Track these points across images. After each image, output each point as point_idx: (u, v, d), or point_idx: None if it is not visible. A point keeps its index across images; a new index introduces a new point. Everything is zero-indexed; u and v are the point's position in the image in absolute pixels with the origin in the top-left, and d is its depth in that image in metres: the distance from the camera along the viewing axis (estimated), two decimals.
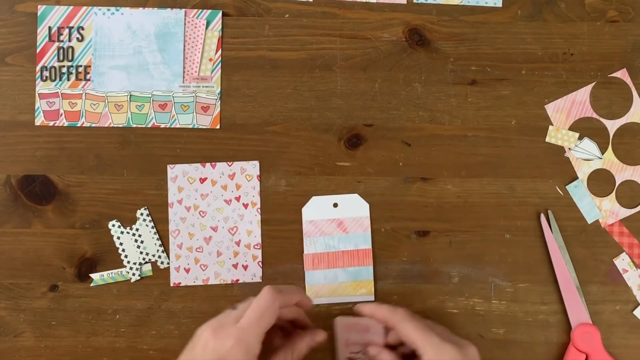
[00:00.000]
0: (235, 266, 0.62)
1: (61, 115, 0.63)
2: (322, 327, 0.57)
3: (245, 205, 0.63)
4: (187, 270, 0.62)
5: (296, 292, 0.55)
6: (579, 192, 0.63)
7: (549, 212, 0.62)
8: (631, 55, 0.64)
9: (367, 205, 0.62)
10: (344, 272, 0.62)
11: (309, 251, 0.62)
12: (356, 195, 0.62)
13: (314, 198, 0.62)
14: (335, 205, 0.63)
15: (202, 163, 0.63)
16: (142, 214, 0.63)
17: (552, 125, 0.63)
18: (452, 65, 0.64)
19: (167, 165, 0.63)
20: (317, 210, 0.62)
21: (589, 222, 0.63)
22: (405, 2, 0.64)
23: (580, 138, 0.63)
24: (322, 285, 0.62)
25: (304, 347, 0.55)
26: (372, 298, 0.62)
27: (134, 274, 0.62)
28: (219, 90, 0.63)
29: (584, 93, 0.64)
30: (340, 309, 0.62)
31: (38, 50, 0.63)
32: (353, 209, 0.62)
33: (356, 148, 0.63)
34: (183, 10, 0.64)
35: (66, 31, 0.63)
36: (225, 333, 0.50)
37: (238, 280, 0.62)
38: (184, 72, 0.63)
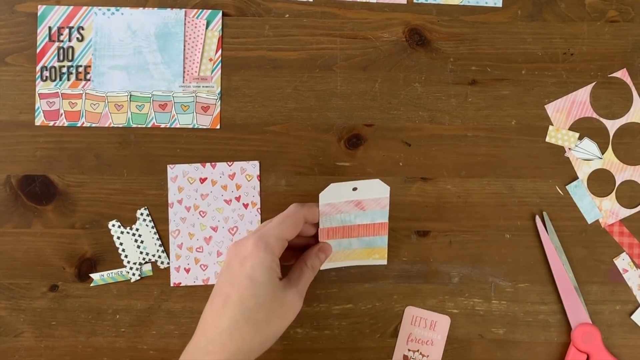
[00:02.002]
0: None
1: (61, 115, 0.63)
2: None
3: (246, 205, 0.63)
4: (187, 270, 0.62)
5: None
6: (579, 192, 0.63)
7: (544, 213, 0.62)
8: (631, 55, 0.64)
9: (388, 188, 0.58)
10: (359, 241, 0.60)
11: (324, 226, 0.59)
12: (377, 180, 0.59)
13: (332, 185, 0.57)
14: (355, 189, 0.58)
15: (202, 163, 0.63)
16: (142, 214, 0.63)
17: (552, 125, 0.63)
18: (452, 65, 0.64)
19: (167, 165, 0.63)
20: (335, 196, 0.58)
21: (589, 222, 0.63)
22: (405, 2, 0.64)
23: (580, 138, 0.63)
24: (335, 251, 0.60)
25: (315, 260, 0.57)
26: (385, 263, 0.61)
27: (134, 274, 0.62)
28: (219, 90, 0.63)
29: (584, 93, 0.64)
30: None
31: (38, 50, 0.63)
32: (373, 191, 0.58)
33: (356, 148, 0.63)
34: (183, 10, 0.64)
35: (66, 31, 0.63)
36: (246, 238, 0.53)
37: None
38: (184, 72, 0.63)
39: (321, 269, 0.59)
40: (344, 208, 0.59)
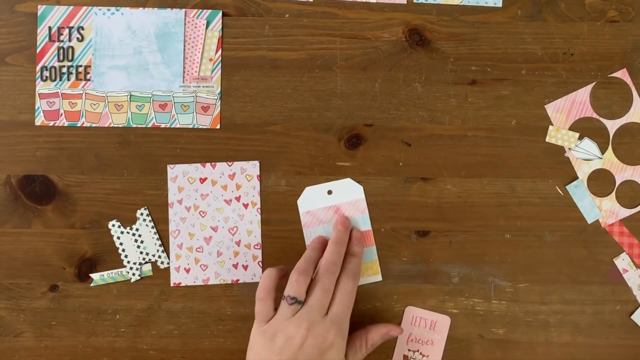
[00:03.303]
0: (235, 266, 0.62)
1: (61, 115, 0.63)
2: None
3: (246, 205, 0.63)
4: (187, 270, 0.62)
5: None
6: (579, 192, 0.63)
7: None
8: (631, 55, 0.64)
9: (361, 188, 0.62)
10: None
11: (310, 241, 0.62)
12: (349, 180, 0.62)
13: (307, 189, 0.62)
14: (330, 192, 0.63)
15: (202, 163, 0.63)
16: (142, 214, 0.63)
17: (552, 125, 0.63)
18: (452, 65, 0.64)
19: (167, 165, 0.63)
20: (312, 201, 0.62)
21: (589, 222, 0.63)
22: (405, 2, 0.64)
23: (580, 138, 0.63)
24: None
25: (378, 339, 0.57)
26: (380, 278, 0.62)
27: (134, 274, 0.62)
28: (219, 90, 0.63)
29: (584, 93, 0.64)
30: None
31: (38, 50, 0.63)
32: (347, 193, 0.62)
33: (356, 148, 0.63)
34: (183, 10, 0.64)
35: (66, 31, 0.63)
36: (322, 327, 0.52)
37: (238, 280, 0.62)
38: (184, 72, 0.63)
39: None
40: (324, 217, 0.60)
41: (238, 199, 0.63)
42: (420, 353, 0.62)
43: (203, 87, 0.63)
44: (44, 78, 0.63)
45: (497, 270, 0.63)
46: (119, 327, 0.62)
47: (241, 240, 0.63)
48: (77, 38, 0.63)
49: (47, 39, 0.63)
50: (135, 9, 0.64)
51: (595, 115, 0.64)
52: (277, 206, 0.63)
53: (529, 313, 0.62)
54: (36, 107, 0.63)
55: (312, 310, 0.53)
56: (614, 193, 0.63)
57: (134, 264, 0.62)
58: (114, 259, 0.63)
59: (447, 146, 0.63)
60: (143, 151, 0.63)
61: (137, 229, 0.63)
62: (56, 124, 0.63)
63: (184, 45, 0.63)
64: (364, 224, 0.62)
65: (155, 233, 0.63)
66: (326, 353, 0.52)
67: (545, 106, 0.64)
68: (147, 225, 0.63)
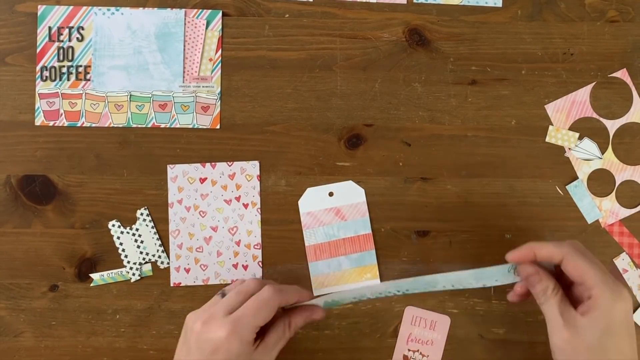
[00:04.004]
0: (235, 266, 0.62)
1: (61, 115, 0.63)
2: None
3: (245, 205, 0.63)
4: (187, 270, 0.62)
5: (296, 293, 0.55)
6: (579, 192, 0.63)
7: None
8: (631, 55, 0.64)
9: (363, 191, 0.62)
10: (347, 260, 0.62)
11: (310, 242, 0.62)
12: (350, 182, 0.62)
13: (309, 190, 0.62)
14: (331, 194, 0.63)
15: (202, 163, 0.63)
16: (142, 214, 0.63)
17: (552, 125, 0.63)
18: (452, 65, 0.64)
19: (167, 165, 0.63)
20: (313, 202, 0.62)
21: (589, 222, 0.63)
22: (405, 2, 0.64)
23: (580, 138, 0.63)
24: (326, 275, 0.62)
25: (301, 322, 0.55)
26: (378, 281, 0.62)
27: (134, 274, 0.62)
28: (219, 90, 0.63)
29: (584, 93, 0.64)
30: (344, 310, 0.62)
31: (38, 50, 0.63)
32: (349, 196, 0.62)
33: (356, 148, 0.63)
34: (183, 10, 0.64)
35: (66, 31, 0.63)
36: (219, 324, 0.50)
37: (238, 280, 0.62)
38: (184, 72, 0.63)
39: (315, 295, 0.60)
40: (325, 218, 0.60)
41: (238, 199, 0.63)
42: (420, 353, 0.62)
43: (203, 87, 0.63)
44: (44, 78, 0.63)
45: None
46: (119, 327, 0.62)
47: (241, 240, 0.63)
48: (77, 38, 0.63)
49: (47, 39, 0.63)
50: (135, 9, 0.64)
51: (595, 115, 0.64)
52: (277, 206, 0.63)
53: (529, 313, 0.62)
54: (36, 107, 0.63)
55: (218, 306, 0.52)
56: (613, 193, 0.63)
57: (134, 264, 0.62)
58: (114, 259, 0.63)
59: (447, 146, 0.63)
60: (143, 151, 0.63)
61: (137, 229, 0.63)
62: (56, 124, 0.63)
63: (184, 45, 0.63)
64: (365, 227, 0.62)
65: (155, 233, 0.63)
66: (216, 352, 0.50)
67: (545, 106, 0.64)
68: (147, 225, 0.63)
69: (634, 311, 0.62)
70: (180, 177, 0.63)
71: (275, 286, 0.54)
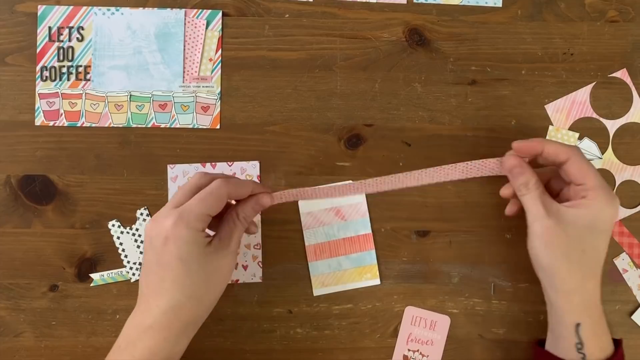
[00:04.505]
0: (235, 266, 0.62)
1: (61, 115, 0.63)
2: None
3: None
4: None
5: (249, 185, 0.54)
6: None
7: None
8: (631, 55, 0.64)
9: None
10: (347, 260, 0.62)
11: (310, 242, 0.62)
12: (350, 182, 0.62)
13: None
14: None
15: (202, 163, 0.63)
16: (142, 214, 0.63)
17: (552, 125, 0.63)
18: (452, 65, 0.64)
19: (167, 165, 0.63)
20: (313, 202, 0.62)
21: None
22: (405, 2, 0.64)
23: (580, 138, 0.63)
24: (327, 274, 0.62)
25: (249, 211, 0.54)
26: (378, 282, 0.62)
27: (134, 274, 0.62)
28: (219, 90, 0.63)
29: (584, 93, 0.64)
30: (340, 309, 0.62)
31: (38, 50, 0.63)
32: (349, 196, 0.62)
33: (356, 148, 0.63)
34: (183, 10, 0.64)
35: (66, 31, 0.63)
36: (165, 215, 0.50)
37: (238, 280, 0.62)
38: (184, 72, 0.63)
39: (314, 295, 0.60)
40: (325, 218, 0.60)
41: None
42: (420, 353, 0.62)
43: (203, 87, 0.63)
44: (44, 78, 0.63)
45: (497, 270, 0.63)
46: (119, 327, 0.62)
47: (241, 240, 0.63)
48: (77, 38, 0.63)
49: (47, 39, 0.63)
50: (135, 9, 0.64)
51: (595, 115, 0.64)
52: (277, 206, 0.63)
53: (529, 313, 0.62)
54: (36, 107, 0.63)
55: (166, 204, 0.52)
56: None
57: (134, 263, 0.62)
58: (114, 259, 0.63)
59: (447, 146, 0.63)
60: (143, 151, 0.63)
61: (137, 229, 0.63)
62: (56, 124, 0.63)
63: (184, 45, 0.63)
64: (364, 227, 0.62)
65: None
66: (166, 243, 0.49)
67: (545, 106, 0.64)
68: None
69: (634, 311, 0.62)
70: (181, 177, 0.63)
71: (224, 177, 0.53)
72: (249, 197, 0.55)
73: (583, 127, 0.63)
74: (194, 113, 0.63)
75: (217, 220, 0.54)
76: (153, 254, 0.51)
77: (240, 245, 0.62)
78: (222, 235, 0.53)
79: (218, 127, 0.63)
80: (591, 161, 0.63)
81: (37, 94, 0.63)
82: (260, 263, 0.62)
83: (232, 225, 0.54)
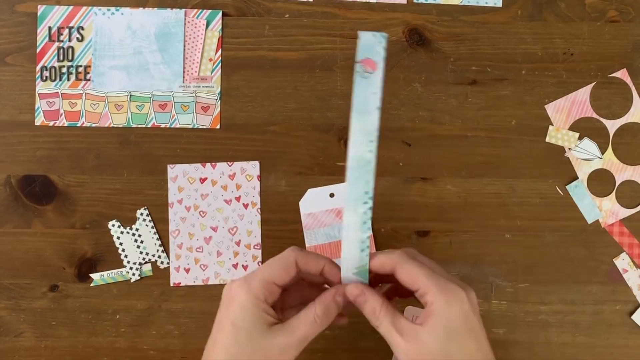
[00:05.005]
0: (235, 266, 0.62)
1: (61, 115, 0.63)
2: None
3: (246, 206, 0.63)
4: (187, 270, 0.62)
5: (322, 260, 0.50)
6: (579, 192, 0.63)
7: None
8: (631, 55, 0.64)
9: None
10: None
11: (310, 243, 0.62)
12: None
13: (310, 190, 0.62)
14: (332, 195, 0.62)
15: (202, 163, 0.63)
16: (142, 214, 0.63)
17: (552, 125, 0.63)
18: (452, 65, 0.64)
19: (167, 165, 0.63)
20: (314, 203, 0.62)
21: (589, 222, 0.63)
22: (405, 2, 0.64)
23: (580, 138, 0.63)
24: None
25: (331, 305, 0.49)
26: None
27: (134, 274, 0.62)
28: (219, 90, 0.63)
29: (584, 93, 0.64)
30: None
31: (38, 50, 0.63)
32: None
33: None
34: (183, 10, 0.64)
35: (66, 31, 0.63)
36: (237, 280, 0.48)
37: None
38: (184, 72, 0.63)
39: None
40: (326, 219, 0.60)
41: (238, 199, 0.63)
42: None
43: (203, 87, 0.63)
44: (44, 78, 0.63)
45: (497, 270, 0.63)
46: (119, 327, 0.62)
47: (241, 241, 0.63)
48: (77, 38, 0.63)
49: (47, 39, 0.63)
50: (135, 9, 0.64)
51: (595, 115, 0.64)
52: (277, 206, 0.63)
53: (529, 313, 0.62)
54: (36, 107, 0.63)
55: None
56: (614, 193, 0.63)
57: (134, 264, 0.62)
58: (114, 259, 0.63)
59: (447, 146, 0.63)
60: (143, 151, 0.63)
61: (137, 229, 0.63)
62: (56, 124, 0.63)
63: (184, 45, 0.63)
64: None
65: (155, 233, 0.63)
66: (230, 304, 0.47)
67: (545, 106, 0.64)
68: (147, 225, 0.63)
69: (634, 311, 0.62)
70: (181, 177, 0.63)
71: (299, 248, 0.50)
72: (328, 290, 0.49)
73: (583, 127, 0.63)
74: (194, 113, 0.63)
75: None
76: (218, 314, 0.48)
77: (240, 246, 0.62)
78: (292, 323, 0.47)
79: (218, 127, 0.63)
80: (591, 161, 0.63)
81: (37, 94, 0.63)
82: (260, 263, 0.62)
83: (302, 319, 0.48)
